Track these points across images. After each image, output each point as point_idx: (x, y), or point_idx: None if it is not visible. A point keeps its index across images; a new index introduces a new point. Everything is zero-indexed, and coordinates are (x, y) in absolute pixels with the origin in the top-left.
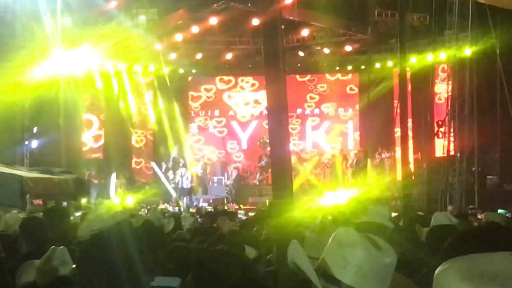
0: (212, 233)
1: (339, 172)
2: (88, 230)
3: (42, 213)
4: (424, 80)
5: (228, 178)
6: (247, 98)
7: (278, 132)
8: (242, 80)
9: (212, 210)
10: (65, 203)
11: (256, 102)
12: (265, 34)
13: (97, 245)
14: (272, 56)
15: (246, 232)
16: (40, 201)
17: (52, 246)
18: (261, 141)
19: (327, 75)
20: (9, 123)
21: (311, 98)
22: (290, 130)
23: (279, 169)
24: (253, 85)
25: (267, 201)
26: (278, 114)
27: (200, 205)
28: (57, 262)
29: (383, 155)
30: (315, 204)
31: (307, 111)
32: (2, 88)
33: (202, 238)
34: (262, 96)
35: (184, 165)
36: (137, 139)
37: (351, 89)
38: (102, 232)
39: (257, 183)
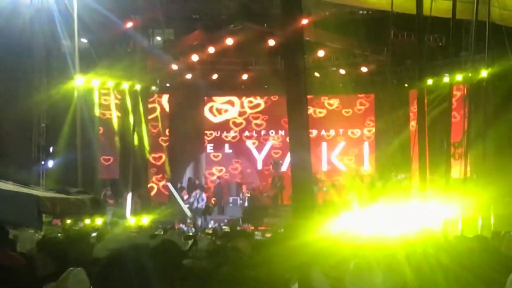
0: (229, 255)
1: (355, 193)
2: (104, 250)
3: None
4: (439, 101)
5: (243, 199)
6: (263, 119)
7: (299, 152)
8: (257, 100)
9: (229, 230)
10: (81, 223)
11: (272, 122)
12: (286, 55)
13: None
14: (294, 77)
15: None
16: (58, 221)
17: (70, 268)
18: (272, 162)
19: (343, 96)
20: (25, 143)
21: (327, 118)
22: None
23: (299, 189)
24: (269, 105)
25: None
26: (300, 134)
27: (216, 225)
28: (73, 282)
29: (398, 177)
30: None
31: (322, 132)
32: (19, 108)
33: (219, 259)
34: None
35: (199, 186)
36: (152, 159)
37: (366, 109)
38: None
39: (272, 204)
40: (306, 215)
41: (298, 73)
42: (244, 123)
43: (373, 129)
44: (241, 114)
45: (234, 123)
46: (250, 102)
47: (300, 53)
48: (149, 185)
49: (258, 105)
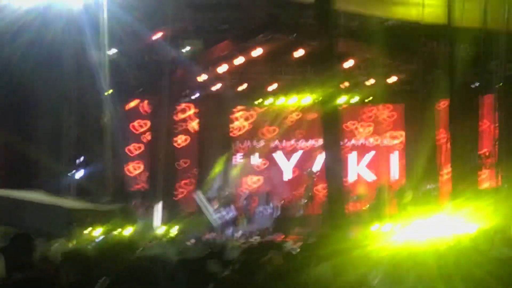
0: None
1: (384, 203)
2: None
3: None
4: (469, 110)
5: (272, 208)
6: (292, 128)
7: (334, 162)
8: (287, 109)
9: (259, 241)
10: (111, 234)
11: (301, 132)
12: (319, 65)
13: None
14: (328, 89)
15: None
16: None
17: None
18: (308, 171)
19: (372, 106)
20: (55, 153)
21: (356, 128)
22: None
23: (334, 200)
24: (298, 114)
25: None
26: (334, 146)
27: (245, 235)
28: None
29: (428, 186)
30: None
31: (352, 141)
32: (49, 119)
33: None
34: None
35: (228, 196)
36: (181, 169)
37: (396, 119)
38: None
39: (301, 213)
40: (339, 225)
41: (332, 85)
42: (274, 132)
43: (402, 139)
44: (270, 124)
45: (263, 132)
46: (280, 112)
47: (334, 65)
48: (178, 195)
49: (287, 115)
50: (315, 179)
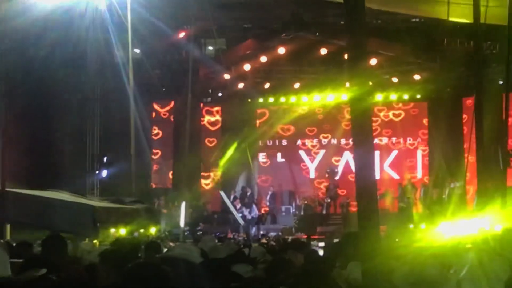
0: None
1: (409, 202)
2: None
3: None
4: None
5: (296, 208)
6: (316, 127)
7: (364, 161)
8: (310, 109)
9: (283, 240)
10: (136, 233)
11: (324, 130)
12: (350, 63)
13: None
14: (358, 87)
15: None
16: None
17: None
18: (328, 170)
19: (396, 104)
20: (79, 153)
21: (379, 126)
22: None
23: (364, 199)
24: (320, 114)
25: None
26: (364, 143)
27: (270, 234)
28: None
29: (452, 185)
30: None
31: (376, 140)
32: (74, 119)
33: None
34: (330, 125)
35: (252, 195)
36: (205, 168)
37: (420, 117)
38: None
39: (324, 212)
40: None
41: (362, 83)
42: (296, 131)
43: (427, 137)
44: (293, 123)
45: (286, 131)
46: (303, 110)
47: (364, 63)
48: (201, 195)
49: (310, 114)
50: (336, 178)
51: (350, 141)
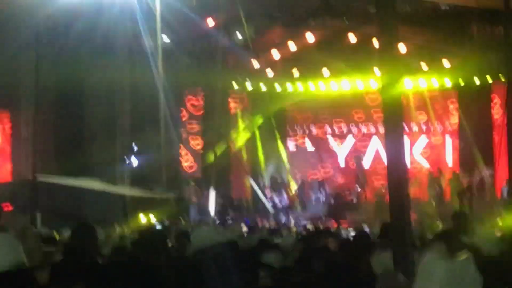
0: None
1: (436, 190)
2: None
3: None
4: None
5: (325, 196)
6: (345, 114)
7: (395, 149)
8: (338, 96)
9: (314, 228)
10: (166, 221)
11: (353, 118)
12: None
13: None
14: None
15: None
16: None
17: None
18: (355, 158)
19: (425, 91)
20: (110, 141)
21: (409, 114)
22: None
23: (396, 188)
24: (349, 101)
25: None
26: (395, 131)
27: (300, 222)
28: None
29: (483, 173)
30: None
31: (406, 128)
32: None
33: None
34: (359, 112)
35: (282, 183)
36: (234, 156)
37: (449, 104)
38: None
39: (355, 200)
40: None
41: (392, 70)
42: (326, 118)
43: (457, 125)
44: (322, 110)
45: (315, 119)
46: (331, 98)
47: (395, 50)
48: (231, 182)
49: (338, 101)
50: (364, 166)
51: (380, 129)
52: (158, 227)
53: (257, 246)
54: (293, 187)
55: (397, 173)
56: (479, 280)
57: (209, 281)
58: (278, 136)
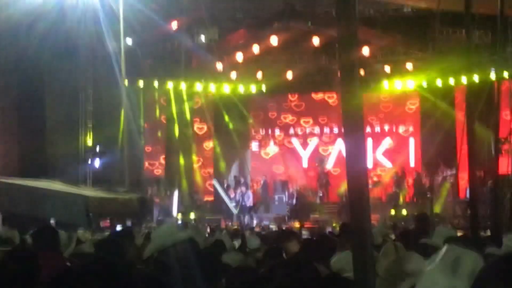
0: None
1: (400, 190)
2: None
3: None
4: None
5: (288, 197)
6: (308, 117)
7: (355, 151)
8: (302, 98)
9: (277, 229)
10: (129, 223)
11: (316, 119)
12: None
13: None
14: (348, 73)
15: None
16: (107, 223)
17: None
18: (317, 159)
19: (388, 93)
20: (72, 143)
21: (372, 115)
22: None
23: (356, 189)
24: (313, 103)
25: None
26: (355, 133)
27: (263, 223)
28: None
29: (445, 173)
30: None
31: (368, 129)
32: (66, 109)
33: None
34: (322, 114)
35: (245, 184)
36: (197, 157)
37: (411, 106)
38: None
39: (318, 201)
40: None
41: (352, 72)
42: (289, 121)
43: (419, 126)
44: (285, 111)
45: (279, 120)
46: (295, 100)
47: (355, 50)
48: (194, 183)
49: (302, 103)
50: (326, 167)
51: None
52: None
53: (214, 246)
54: (256, 187)
55: (357, 173)
56: None
57: (172, 280)
58: (241, 136)
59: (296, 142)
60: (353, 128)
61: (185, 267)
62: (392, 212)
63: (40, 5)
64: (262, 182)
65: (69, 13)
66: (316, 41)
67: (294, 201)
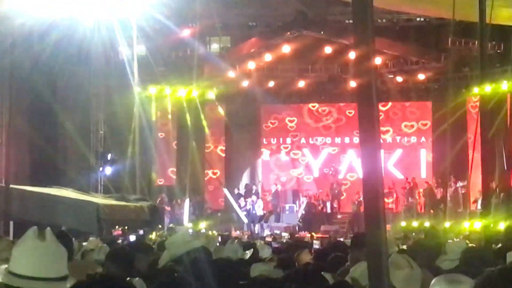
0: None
1: (412, 202)
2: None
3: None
4: (497, 108)
5: (299, 206)
6: (319, 126)
7: (371, 160)
8: (314, 107)
9: (289, 239)
10: (141, 231)
11: (328, 129)
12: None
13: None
14: (365, 88)
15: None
16: (119, 232)
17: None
18: (330, 169)
19: (400, 103)
20: (84, 150)
21: (384, 126)
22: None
23: (371, 199)
24: (325, 112)
25: None
26: (371, 143)
27: (275, 232)
28: None
29: (457, 185)
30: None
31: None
32: (78, 116)
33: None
34: (333, 123)
35: (256, 193)
36: (209, 165)
37: (423, 117)
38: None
39: (329, 211)
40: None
41: (369, 85)
42: (300, 130)
43: (430, 137)
44: (297, 121)
45: (290, 129)
46: (307, 109)
47: (372, 65)
48: (205, 192)
49: (314, 112)
50: (339, 177)
51: (354, 140)
52: (132, 236)
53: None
54: (267, 196)
55: (373, 183)
56: None
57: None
58: (253, 145)
59: (307, 152)
60: (369, 139)
61: (201, 274)
62: (404, 223)
63: (53, 12)
64: (273, 191)
65: (82, 20)
66: (328, 49)
67: (305, 211)
